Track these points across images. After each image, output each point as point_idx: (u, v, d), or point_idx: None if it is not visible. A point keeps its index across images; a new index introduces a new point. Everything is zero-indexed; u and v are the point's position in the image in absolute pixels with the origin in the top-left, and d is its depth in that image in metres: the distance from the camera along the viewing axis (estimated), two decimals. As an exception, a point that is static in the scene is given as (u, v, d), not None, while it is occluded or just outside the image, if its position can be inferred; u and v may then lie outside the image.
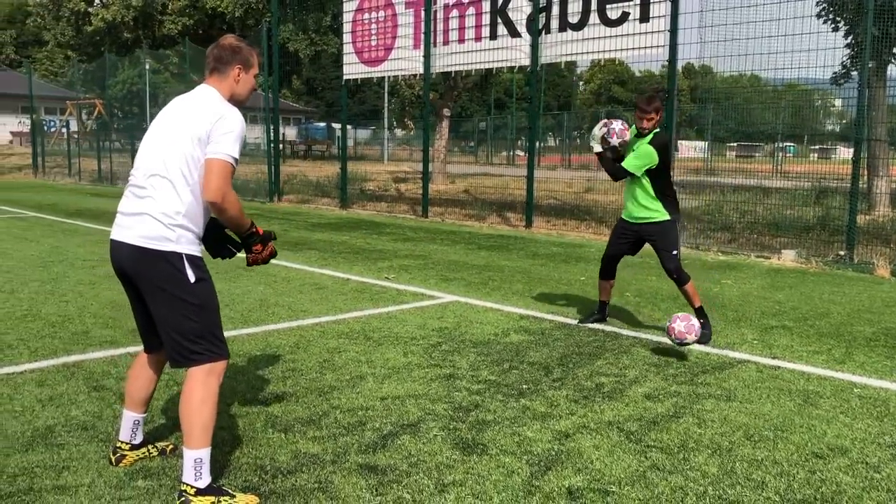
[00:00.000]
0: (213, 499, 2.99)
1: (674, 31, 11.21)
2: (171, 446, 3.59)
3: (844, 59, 13.33)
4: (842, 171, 17.72)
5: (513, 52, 13.28)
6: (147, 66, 28.57)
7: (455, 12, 14.12)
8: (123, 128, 28.67)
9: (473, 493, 3.24)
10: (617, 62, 13.10)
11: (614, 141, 5.72)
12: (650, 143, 5.68)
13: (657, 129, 5.75)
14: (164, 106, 3.30)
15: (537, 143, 37.09)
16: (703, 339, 5.57)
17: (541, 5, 12.76)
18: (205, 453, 3.03)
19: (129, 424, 3.43)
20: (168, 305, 3.05)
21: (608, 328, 6.19)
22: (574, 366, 5.11)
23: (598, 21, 12.05)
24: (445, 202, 17.07)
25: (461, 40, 14.05)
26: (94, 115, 32.71)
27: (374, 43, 15.65)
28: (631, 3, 11.60)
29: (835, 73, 13.38)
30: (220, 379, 3.15)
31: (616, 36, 11.83)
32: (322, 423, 4.01)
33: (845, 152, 27.49)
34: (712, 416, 4.20)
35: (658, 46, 11.42)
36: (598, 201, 15.80)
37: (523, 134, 42.50)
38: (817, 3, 13.33)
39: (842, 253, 9.78)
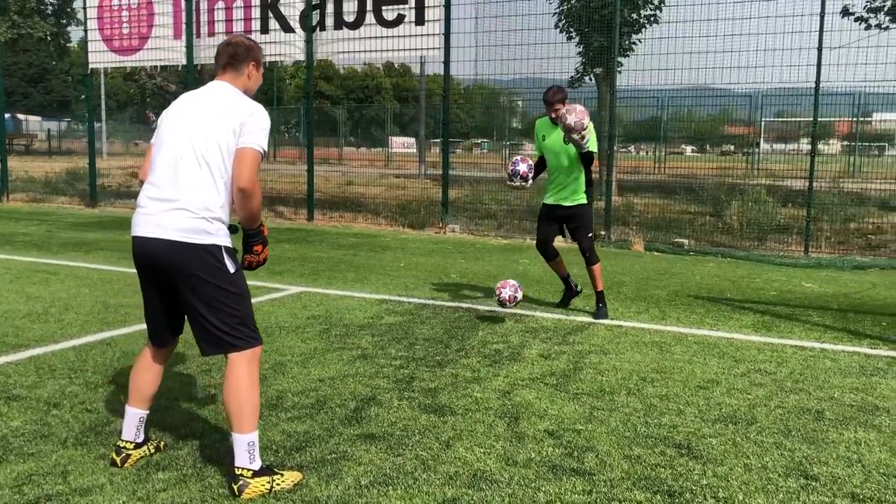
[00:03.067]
0: (268, 478, 3.13)
1: (447, 34, 12.13)
2: (163, 442, 3.58)
3: (578, 65, 15.26)
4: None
5: (286, 48, 13.39)
6: None
7: (221, 3, 13.84)
8: None
9: (476, 444, 3.69)
10: (325, 60, 13.70)
11: (515, 169, 6.31)
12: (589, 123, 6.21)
13: None
14: (175, 102, 3.33)
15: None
16: (601, 316, 6.39)
17: (314, 2, 13.02)
18: (255, 436, 3.15)
19: (135, 422, 3.39)
20: (210, 297, 3.11)
21: (466, 304, 6.82)
22: (463, 338, 5.67)
23: (374, 21, 12.61)
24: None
25: (228, 32, 13.81)
26: None
27: (126, 31, 14.77)
28: (406, 6, 12.32)
29: (571, 77, 15.28)
30: (258, 363, 3.27)
31: (393, 37, 12.48)
32: (284, 406, 4.17)
33: (531, 148, 30.63)
34: (604, 367, 5.01)
35: (433, 48, 12.27)
36: (364, 194, 16.43)
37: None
38: (554, 13, 15.08)
39: (602, 233, 11.37)
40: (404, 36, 12.40)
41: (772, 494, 3.21)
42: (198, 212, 3.08)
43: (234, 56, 3.32)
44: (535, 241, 6.89)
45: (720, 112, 22.87)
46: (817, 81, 10.03)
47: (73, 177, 19.71)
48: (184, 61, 14.32)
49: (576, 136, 5.98)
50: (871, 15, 12.64)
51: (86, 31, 15.21)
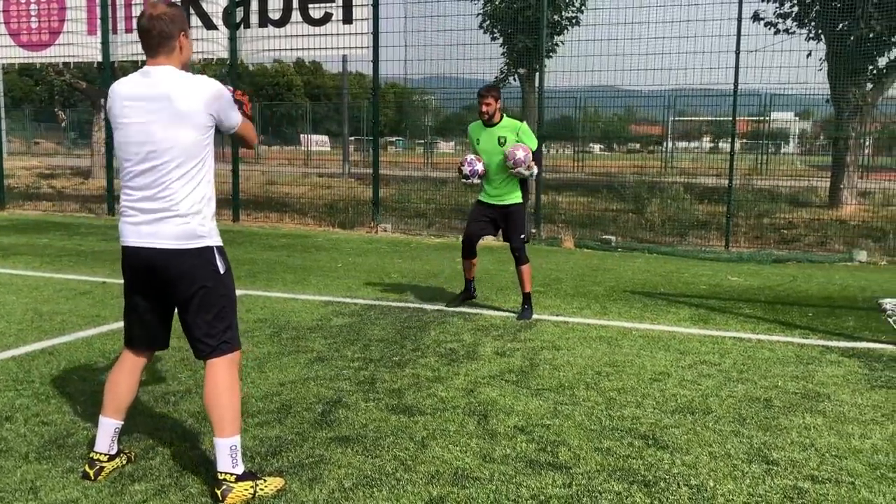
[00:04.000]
0: (251, 483, 3.10)
1: (376, 33, 12.11)
2: (133, 453, 3.49)
3: (502, 66, 15.45)
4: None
5: (209, 45, 13.09)
6: None
7: (138, -1, 13.42)
8: None
9: (451, 442, 3.73)
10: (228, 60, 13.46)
11: (474, 168, 6.45)
12: (522, 123, 6.43)
13: (505, 115, 6.49)
14: (118, 98, 3.09)
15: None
16: (525, 317, 6.44)
17: (238, -1, 12.78)
18: (238, 440, 3.12)
19: (110, 432, 3.29)
20: (202, 298, 3.09)
21: (412, 304, 6.85)
22: (417, 338, 5.70)
23: (300, 19, 12.47)
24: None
25: (147, 29, 13.38)
26: None
27: (34, 25, 14.14)
28: (333, 4, 12.23)
29: (496, 77, 15.44)
30: (238, 367, 3.24)
31: (320, 35, 12.37)
32: (250, 412, 4.11)
33: (444, 146, 30.95)
34: (559, 362, 5.13)
35: (362, 47, 12.22)
36: (289, 193, 16.22)
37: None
38: (478, 14, 15.23)
39: (533, 231, 11.58)
40: (332, 34, 12.31)
41: (739, 480, 3.38)
42: (187, 216, 3.04)
43: (164, 33, 3.07)
44: (462, 237, 6.82)
45: (627, 112, 23.68)
46: (735, 83, 10.49)
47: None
48: (99, 58, 13.81)
49: (523, 171, 6.27)
50: (780, 20, 13.28)
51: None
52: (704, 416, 4.16)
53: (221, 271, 3.13)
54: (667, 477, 3.40)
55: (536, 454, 3.61)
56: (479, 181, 6.55)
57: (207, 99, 3.05)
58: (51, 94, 35.95)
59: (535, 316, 6.48)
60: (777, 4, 13.51)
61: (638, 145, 29.89)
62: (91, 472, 3.24)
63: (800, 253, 10.49)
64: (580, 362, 5.14)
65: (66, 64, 14.93)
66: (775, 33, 13.12)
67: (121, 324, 5.89)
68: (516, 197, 6.52)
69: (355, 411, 4.14)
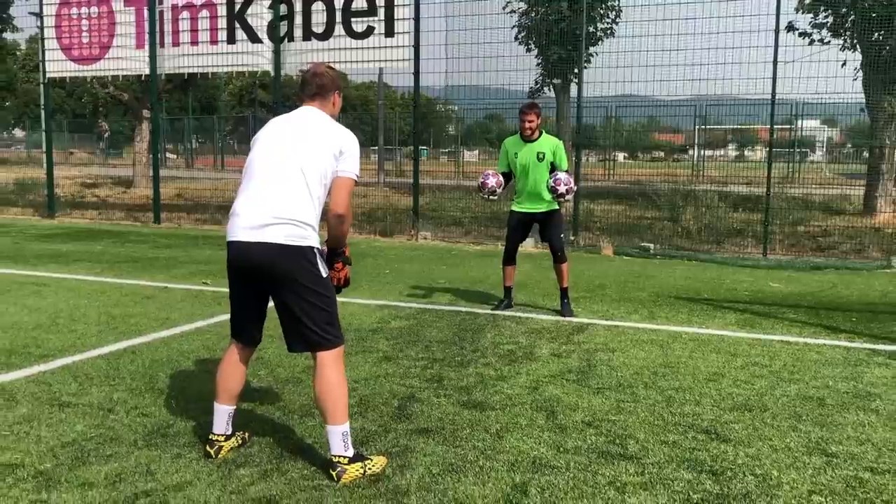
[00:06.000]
0: (361, 464, 3.42)
1: (417, 46, 12.42)
2: (247, 434, 3.80)
3: (537, 76, 15.73)
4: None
5: (253, 58, 13.47)
6: None
7: (186, 14, 13.83)
8: None
9: (524, 434, 3.98)
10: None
11: (487, 183, 6.78)
12: (560, 142, 6.85)
13: (543, 131, 6.86)
14: (269, 124, 3.60)
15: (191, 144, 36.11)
16: (567, 313, 6.87)
17: (282, 14, 13.15)
18: (347, 426, 3.44)
19: (225, 417, 3.62)
20: (305, 298, 3.38)
21: (464, 309, 7.10)
22: (474, 340, 5.96)
23: (343, 33, 12.80)
24: (165, 207, 16.47)
25: (194, 42, 13.83)
26: None
27: (86, 40, 14.62)
28: (376, 18, 12.55)
29: (531, 88, 15.73)
30: (343, 360, 3.53)
31: (363, 48, 12.70)
32: (331, 406, 4.37)
33: (469, 155, 31.27)
34: (615, 363, 5.35)
35: (404, 60, 12.54)
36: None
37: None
38: (513, 27, 15.51)
39: (572, 238, 11.80)
40: (374, 48, 12.64)
41: (802, 470, 3.59)
42: (296, 223, 3.36)
43: (323, 86, 3.61)
44: (505, 247, 7.20)
45: (650, 121, 23.88)
46: (773, 93, 10.66)
47: (21, 187, 19.42)
48: (146, 71, 14.25)
49: (569, 198, 6.77)
50: (815, 31, 13.43)
51: (42, 39, 14.99)
52: (762, 413, 4.37)
53: (323, 274, 3.42)
54: (732, 467, 3.62)
55: (606, 446, 3.85)
56: (492, 197, 6.90)
57: (343, 141, 3.47)
58: (95, 107, 36.68)
59: (585, 320, 6.71)
60: (812, 15, 13.64)
61: (662, 153, 30.16)
62: (211, 451, 3.58)
63: (837, 260, 10.61)
64: (635, 363, 5.37)
65: (114, 77, 15.37)
66: (810, 43, 13.26)
67: (192, 326, 6.28)
68: (553, 204, 6.89)
69: (429, 406, 4.40)
